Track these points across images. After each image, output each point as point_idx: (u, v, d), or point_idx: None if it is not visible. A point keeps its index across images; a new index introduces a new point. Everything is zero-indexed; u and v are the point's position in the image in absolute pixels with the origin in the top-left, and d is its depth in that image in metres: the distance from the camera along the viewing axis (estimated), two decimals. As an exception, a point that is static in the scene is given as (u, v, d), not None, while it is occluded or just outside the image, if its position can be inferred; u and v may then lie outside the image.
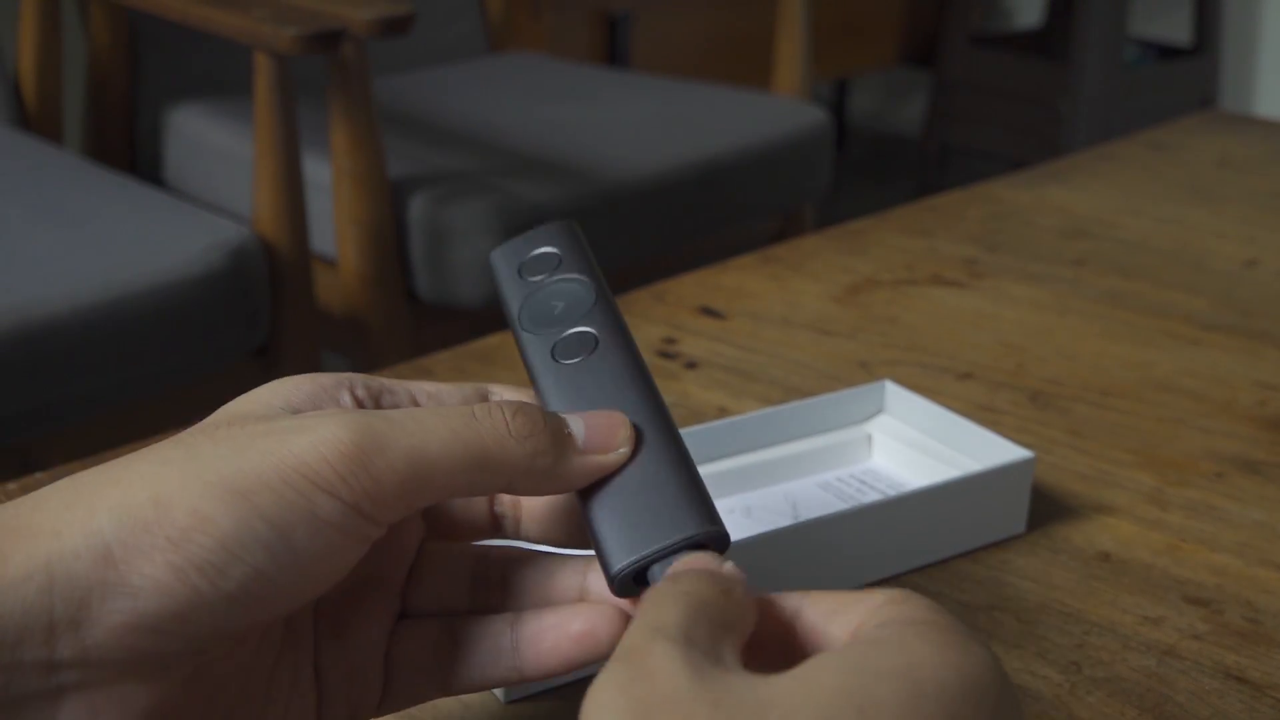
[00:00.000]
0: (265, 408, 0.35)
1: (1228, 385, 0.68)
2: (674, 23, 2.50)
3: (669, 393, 0.65)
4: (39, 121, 1.60)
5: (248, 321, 1.24)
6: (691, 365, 0.69)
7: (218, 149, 1.62)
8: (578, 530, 0.38)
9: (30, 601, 0.30)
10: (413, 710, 0.38)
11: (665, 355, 0.70)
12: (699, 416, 0.63)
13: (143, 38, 1.72)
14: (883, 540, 0.50)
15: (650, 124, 1.68)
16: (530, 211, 1.42)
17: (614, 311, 0.40)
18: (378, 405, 0.37)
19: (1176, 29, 3.05)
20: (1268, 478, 0.59)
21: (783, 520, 0.54)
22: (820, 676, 0.28)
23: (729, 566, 0.33)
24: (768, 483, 0.56)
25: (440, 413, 0.34)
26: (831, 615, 0.32)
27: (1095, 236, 0.89)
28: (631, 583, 0.35)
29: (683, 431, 0.38)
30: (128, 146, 1.74)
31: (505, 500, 0.39)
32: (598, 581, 0.36)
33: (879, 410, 0.60)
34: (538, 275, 0.42)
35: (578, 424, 0.36)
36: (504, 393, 0.39)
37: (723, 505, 0.53)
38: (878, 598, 0.31)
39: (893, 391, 0.59)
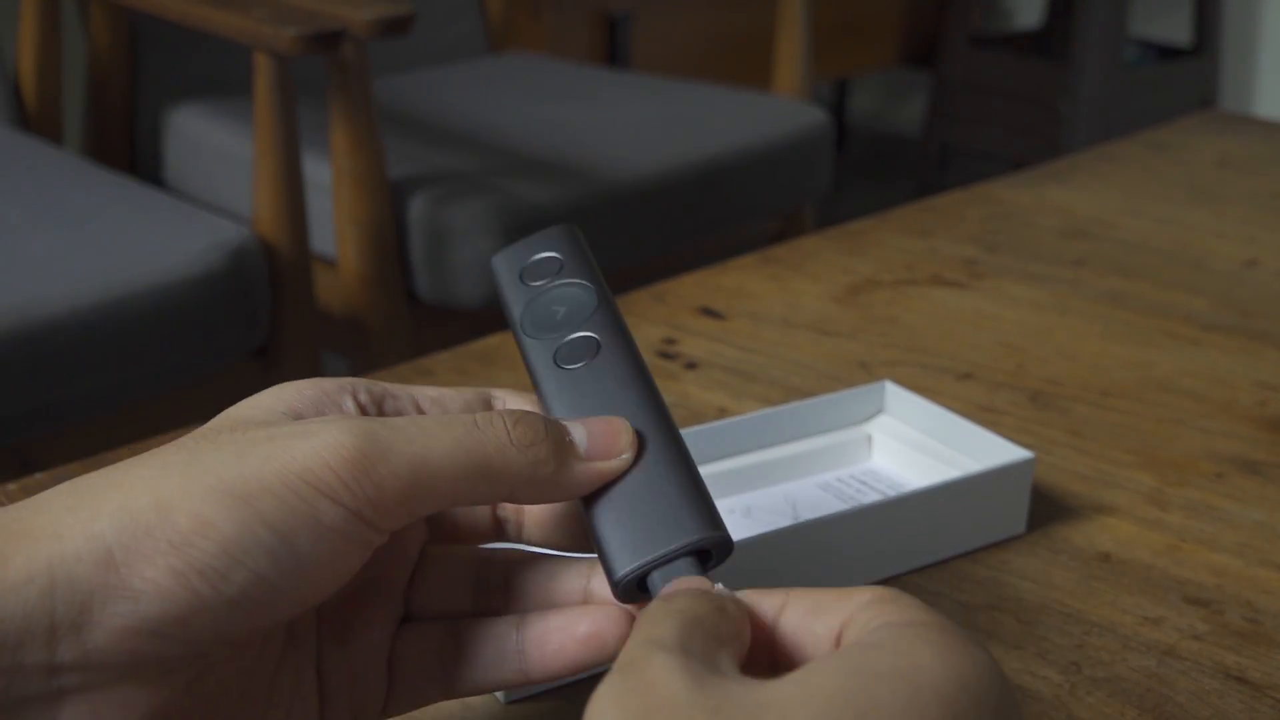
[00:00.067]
0: (268, 413, 0.35)
1: (1228, 385, 0.68)
2: (674, 23, 2.50)
3: (669, 393, 0.65)
4: (39, 122, 1.60)
5: (248, 322, 1.24)
6: (691, 366, 0.69)
7: (218, 149, 1.62)
8: (580, 534, 0.38)
9: (31, 604, 0.30)
10: (414, 711, 0.38)
11: (665, 356, 0.70)
12: (699, 417, 0.63)
13: (143, 38, 1.72)
14: (883, 541, 0.50)
15: (650, 124, 1.68)
16: (530, 212, 1.42)
17: (616, 316, 0.40)
18: (380, 411, 0.37)
19: (1176, 29, 3.05)
20: (1268, 478, 0.59)
21: (783, 521, 0.54)
22: (819, 679, 0.28)
23: (719, 587, 0.33)
24: (768, 483, 0.56)
25: (443, 421, 0.34)
26: (816, 613, 0.32)
27: (1095, 237, 0.89)
28: (635, 588, 0.35)
29: (683, 432, 0.38)
30: (128, 147, 1.74)
31: (508, 504, 0.39)
32: (601, 584, 0.36)
33: (879, 411, 0.60)
34: (539, 280, 0.42)
35: (579, 431, 0.36)
36: (507, 398, 0.39)
37: (723, 506, 0.53)
38: (864, 595, 0.31)
39: (893, 392, 0.59)
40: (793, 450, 0.57)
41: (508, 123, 1.66)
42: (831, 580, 0.50)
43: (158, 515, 0.31)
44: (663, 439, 0.37)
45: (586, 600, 0.37)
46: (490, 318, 1.37)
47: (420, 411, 0.38)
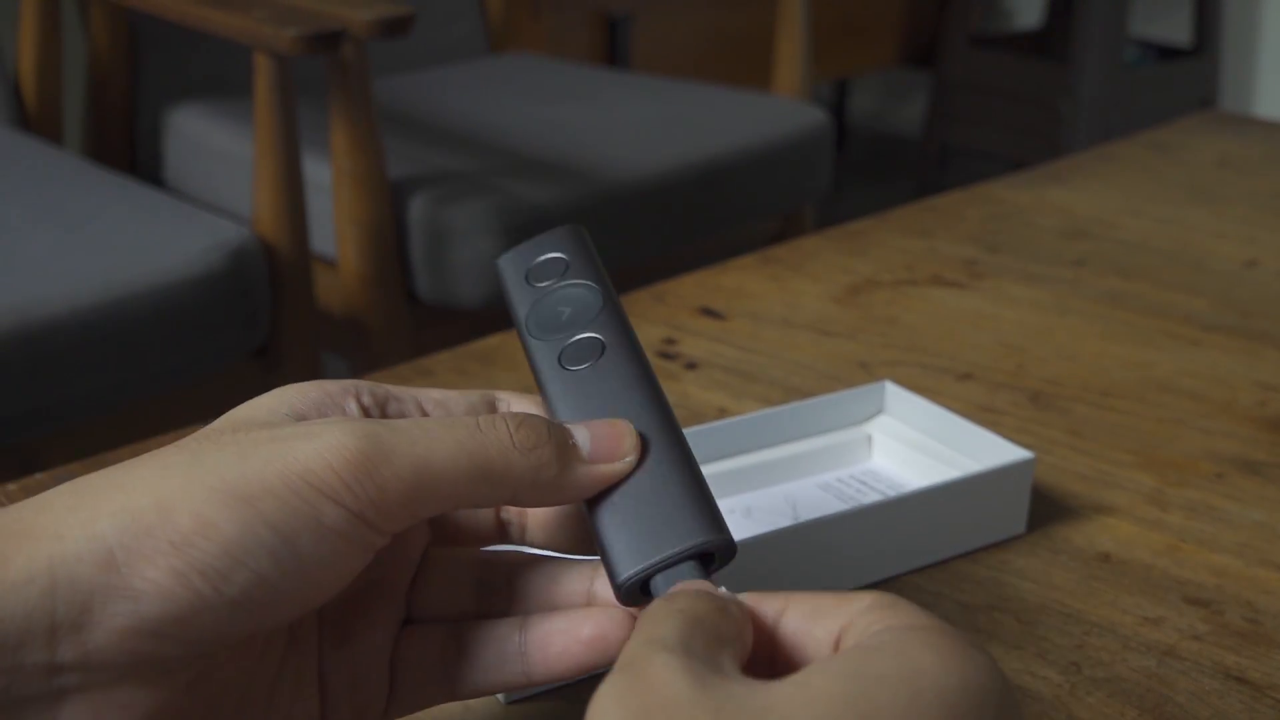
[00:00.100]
0: (270, 414, 0.35)
1: (1228, 386, 0.68)
2: (674, 23, 2.50)
3: (669, 393, 0.65)
4: (39, 122, 1.60)
5: (248, 322, 1.24)
6: (691, 366, 0.69)
7: (218, 149, 1.62)
8: (583, 536, 0.38)
9: (32, 604, 0.30)
10: (414, 713, 0.38)
11: (665, 356, 0.70)
12: (699, 417, 0.63)
13: (143, 38, 1.72)
14: (883, 541, 0.50)
15: (650, 124, 1.68)
16: (530, 212, 1.42)
17: (621, 317, 0.40)
18: (384, 413, 0.37)
19: (1176, 29, 3.05)
20: (1268, 478, 0.59)
21: (783, 521, 0.54)
22: (821, 682, 0.28)
23: (723, 589, 0.33)
24: (768, 483, 0.56)
25: (446, 423, 0.34)
26: (815, 617, 0.32)
27: (1095, 237, 0.89)
28: (638, 591, 0.35)
29: (683, 432, 0.38)
30: (128, 147, 1.74)
31: (510, 506, 0.39)
32: (604, 586, 0.36)
33: (879, 411, 0.60)
34: (545, 281, 0.42)
35: (582, 434, 0.36)
36: (511, 400, 0.39)
37: (723, 506, 0.53)
38: (864, 600, 0.31)
39: (893, 392, 0.59)
40: (793, 450, 0.57)
41: (508, 123, 1.66)
42: (832, 580, 0.50)
43: (159, 516, 0.31)
44: (666, 441, 0.37)
45: (590, 602, 0.37)
46: (490, 318, 1.37)
47: (424, 413, 0.38)
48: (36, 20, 1.58)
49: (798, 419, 0.58)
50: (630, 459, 0.36)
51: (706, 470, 0.38)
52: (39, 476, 0.56)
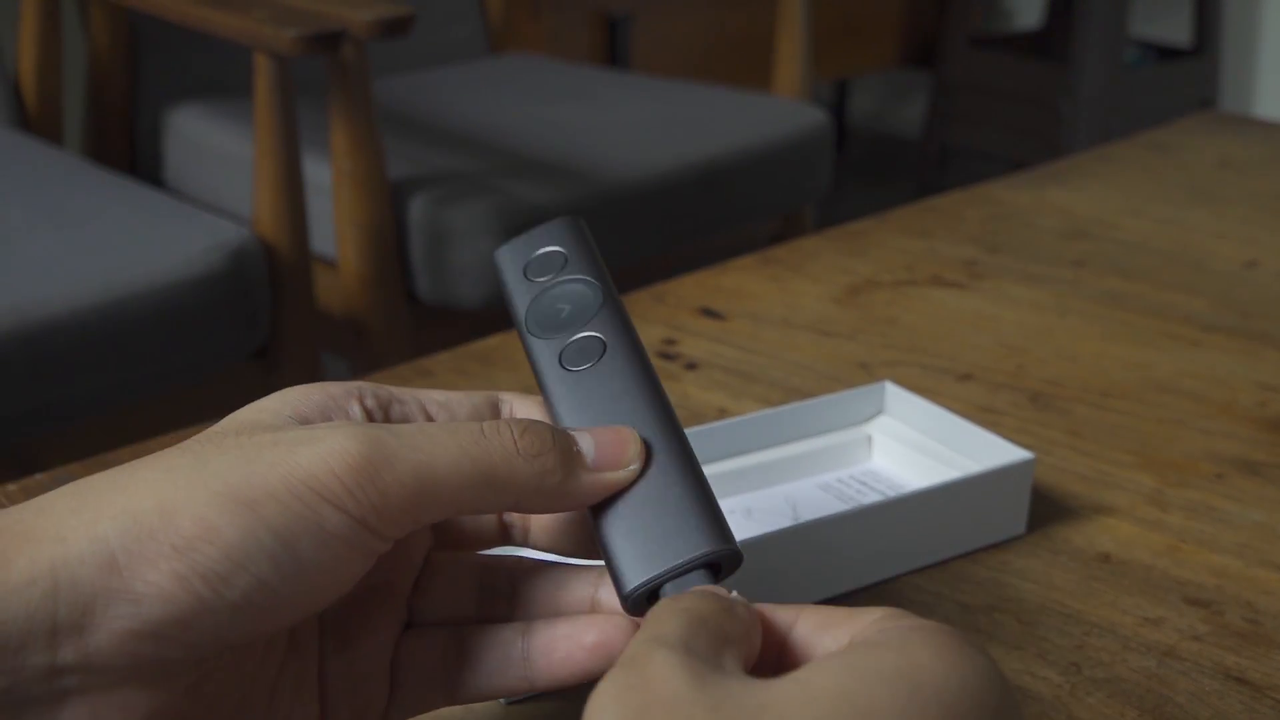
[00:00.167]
0: (273, 417, 0.35)
1: (1228, 386, 0.68)
2: (674, 23, 2.50)
3: (669, 394, 0.65)
4: (39, 122, 1.60)
5: (248, 323, 1.24)
6: (691, 366, 0.69)
7: (218, 150, 1.62)
8: (586, 540, 0.38)
9: (34, 606, 0.30)
10: (417, 716, 0.38)
11: (665, 356, 0.70)
12: (699, 418, 0.63)
13: (143, 38, 1.72)
14: (883, 541, 0.50)
15: (650, 125, 1.68)
16: (530, 212, 1.42)
17: (621, 314, 0.40)
18: (387, 415, 0.37)
19: (1176, 30, 3.05)
20: (1268, 479, 0.59)
21: (783, 521, 0.54)
22: (820, 679, 0.28)
23: (735, 594, 0.33)
24: (768, 484, 0.56)
25: (449, 428, 0.34)
26: (825, 629, 0.32)
27: (1095, 238, 0.89)
28: (644, 601, 0.34)
29: (686, 435, 0.38)
30: (128, 147, 1.74)
31: (513, 512, 0.39)
32: (609, 593, 0.36)
33: (879, 411, 0.60)
34: (544, 276, 0.41)
35: (587, 441, 0.35)
36: (514, 402, 0.39)
37: (723, 506, 0.53)
38: (874, 613, 0.31)
39: (893, 392, 0.59)
40: (793, 451, 0.57)
41: (508, 124, 1.66)
42: (832, 580, 0.50)
43: (161, 519, 0.31)
44: (670, 447, 0.36)
45: (594, 609, 0.37)
46: (490, 318, 1.37)
47: (428, 416, 0.38)
48: (36, 20, 1.58)
49: (798, 419, 0.58)
50: (634, 467, 0.36)
51: (707, 471, 0.38)
52: (39, 477, 0.56)
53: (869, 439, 0.59)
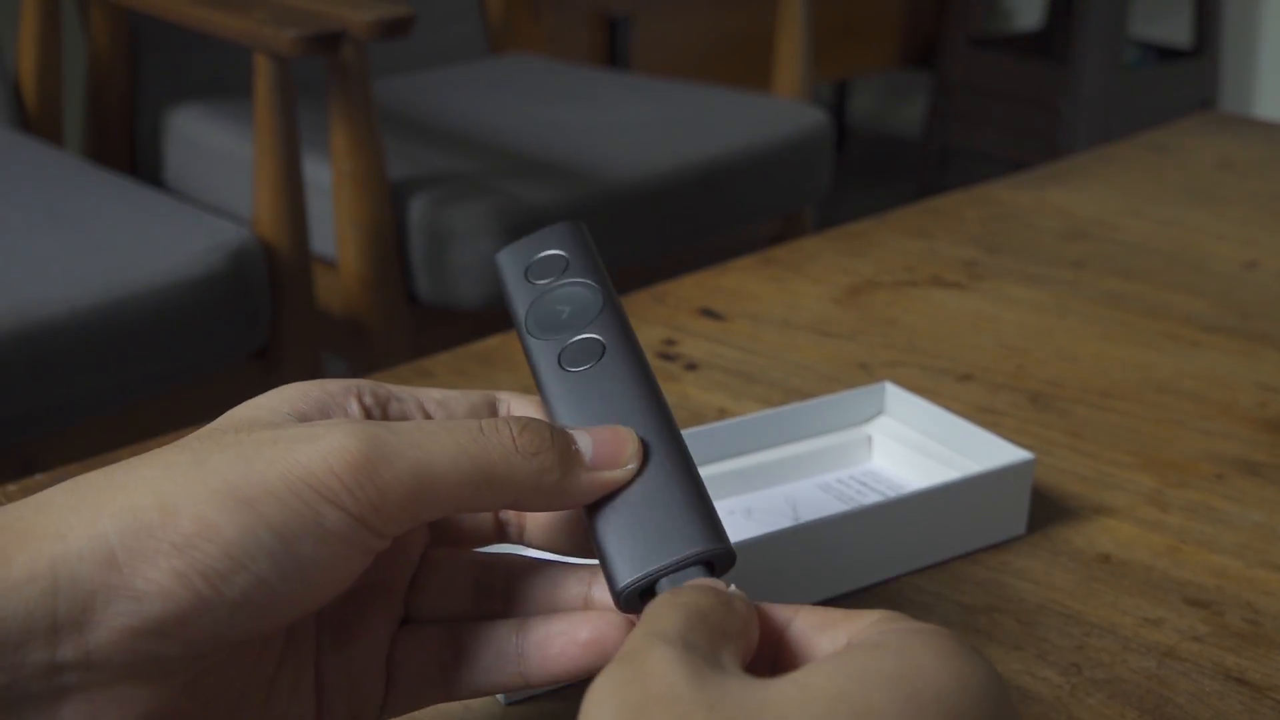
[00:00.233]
0: (272, 414, 0.35)
1: (1228, 387, 0.68)
2: (674, 24, 2.50)
3: (669, 394, 0.65)
4: (39, 122, 1.60)
5: (248, 323, 1.24)
6: (691, 367, 0.69)
7: (218, 150, 1.62)
8: (582, 538, 0.38)
9: (34, 603, 0.30)
10: (414, 712, 0.38)
11: (665, 357, 0.70)
12: (699, 418, 0.63)
13: (143, 39, 1.72)
14: (883, 542, 0.50)
15: (650, 125, 1.68)
16: (530, 213, 1.42)
17: (621, 317, 0.40)
18: (385, 413, 0.37)
19: (1176, 30, 3.05)
20: (1268, 479, 0.59)
21: (783, 522, 0.54)
22: (819, 680, 0.28)
23: (733, 588, 0.33)
24: (768, 484, 0.56)
25: (447, 426, 0.34)
26: (822, 629, 0.32)
27: (1095, 238, 0.89)
28: (637, 599, 0.35)
29: (683, 433, 0.38)
30: (128, 148, 1.74)
31: (511, 510, 0.39)
32: (603, 591, 0.36)
33: (879, 412, 0.60)
34: (544, 279, 0.42)
35: (585, 440, 0.36)
36: (512, 401, 0.39)
37: (723, 507, 0.53)
38: (871, 615, 0.31)
39: (893, 393, 0.59)
40: (793, 451, 0.57)
41: (508, 124, 1.66)
42: (832, 581, 0.50)
43: (161, 516, 0.31)
44: (666, 447, 0.36)
45: (588, 607, 0.37)
46: (490, 319, 1.37)
47: (425, 414, 0.38)
48: (36, 20, 1.58)
49: (798, 420, 0.58)
50: (632, 466, 0.36)
51: (707, 471, 0.38)
52: (39, 477, 0.56)
53: (869, 439, 0.59)
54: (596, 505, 0.36)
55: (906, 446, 0.58)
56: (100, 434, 1.15)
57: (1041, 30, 3.10)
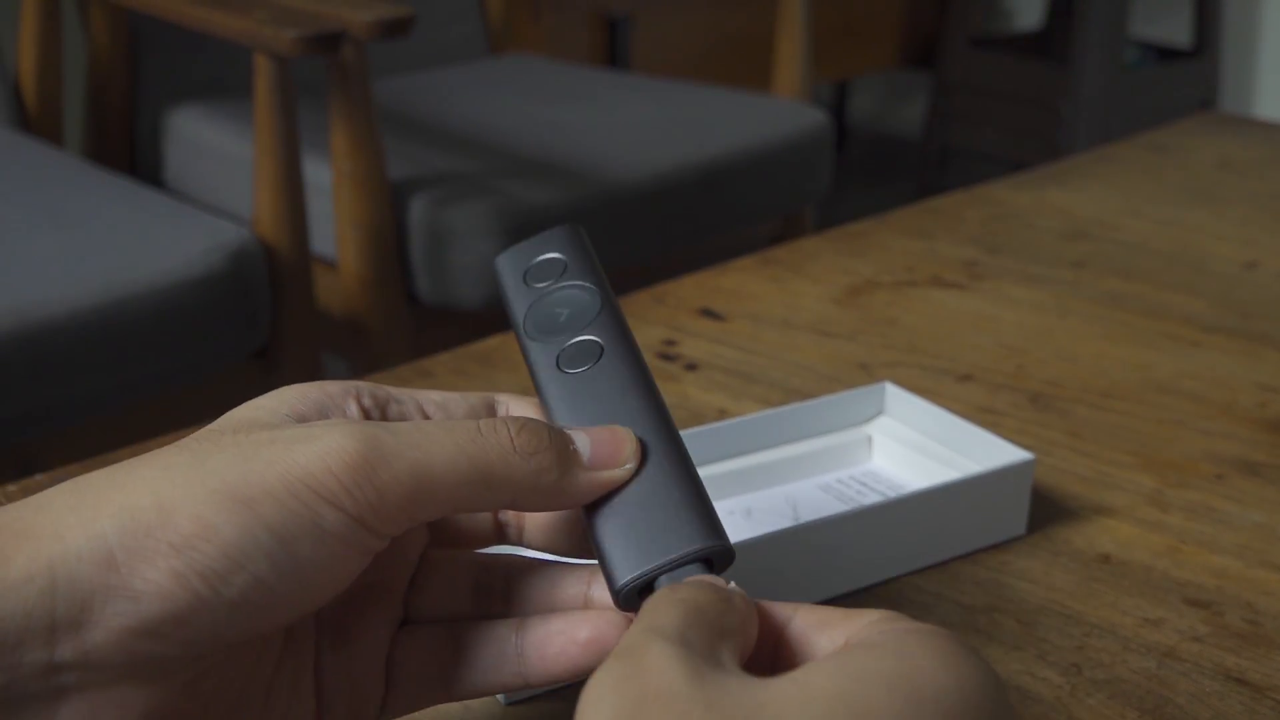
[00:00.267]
0: (271, 415, 0.35)
1: (1228, 387, 0.68)
2: (674, 24, 2.50)
3: (669, 395, 0.65)
4: (39, 123, 1.60)
5: (248, 323, 1.24)
6: (691, 367, 0.69)
7: (218, 151, 1.62)
8: (581, 539, 0.38)
9: (32, 603, 0.30)
10: (414, 713, 0.38)
11: (665, 357, 0.70)
12: (699, 418, 0.63)
13: (143, 39, 1.72)
14: (883, 542, 0.50)
15: (650, 126, 1.68)
16: (530, 213, 1.42)
17: (619, 319, 0.40)
18: (384, 414, 0.37)
19: (1176, 31, 3.05)
20: (1268, 480, 0.59)
21: (783, 522, 0.54)
22: (818, 680, 0.28)
23: (733, 585, 0.33)
24: (768, 484, 0.56)
25: (446, 426, 0.34)
26: (821, 628, 0.32)
27: (1095, 238, 0.89)
28: (636, 597, 0.35)
29: (683, 433, 0.38)
30: (128, 148, 1.74)
31: (509, 510, 0.39)
32: (602, 590, 0.36)
33: (879, 412, 0.60)
34: (543, 282, 0.42)
35: (583, 440, 0.36)
36: (511, 403, 0.39)
37: (723, 507, 0.53)
38: (870, 615, 0.31)
39: (893, 393, 0.59)
40: (793, 451, 0.57)
41: (508, 124, 1.66)
42: (832, 581, 0.50)
43: (159, 516, 0.31)
44: (664, 447, 0.36)
45: (587, 606, 0.37)
46: (490, 319, 1.37)
47: (424, 415, 0.38)
48: (36, 20, 1.58)
49: (798, 420, 0.58)
50: (630, 465, 0.36)
51: (707, 472, 0.38)
52: (39, 477, 0.56)
53: (869, 440, 0.59)
54: (595, 505, 0.36)
55: (906, 447, 0.58)
56: (100, 434, 1.15)
57: (1041, 30, 3.10)
